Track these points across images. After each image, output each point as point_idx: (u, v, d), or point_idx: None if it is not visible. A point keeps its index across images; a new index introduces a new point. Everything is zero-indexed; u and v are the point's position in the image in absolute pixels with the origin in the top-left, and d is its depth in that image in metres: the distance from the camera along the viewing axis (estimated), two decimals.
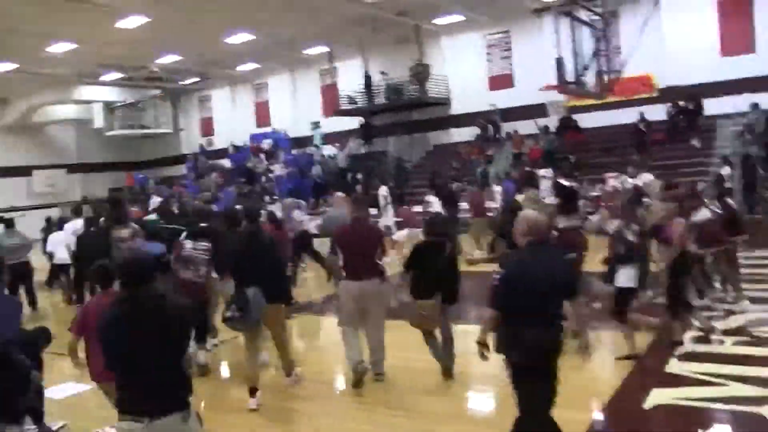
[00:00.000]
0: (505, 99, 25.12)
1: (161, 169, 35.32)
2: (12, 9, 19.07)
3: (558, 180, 9.23)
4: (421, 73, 25.86)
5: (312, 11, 22.69)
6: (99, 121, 31.93)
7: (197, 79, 31.60)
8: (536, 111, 24.12)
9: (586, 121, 23.46)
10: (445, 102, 26.73)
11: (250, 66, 30.05)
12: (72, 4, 18.28)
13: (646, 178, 13.32)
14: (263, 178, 28.11)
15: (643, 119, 22.03)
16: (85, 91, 31.03)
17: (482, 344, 4.50)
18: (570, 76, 13.90)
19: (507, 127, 25.12)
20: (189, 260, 7.59)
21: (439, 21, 24.90)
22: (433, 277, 6.69)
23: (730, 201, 9.68)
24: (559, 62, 12.97)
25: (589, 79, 15.89)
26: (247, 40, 25.03)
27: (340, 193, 14.48)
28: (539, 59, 22.01)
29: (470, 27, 25.40)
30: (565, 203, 8.10)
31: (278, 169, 28.23)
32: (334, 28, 25.24)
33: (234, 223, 7.73)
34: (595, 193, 18.44)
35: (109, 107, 31.47)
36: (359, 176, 24.69)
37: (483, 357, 4.53)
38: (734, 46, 21.72)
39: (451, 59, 26.57)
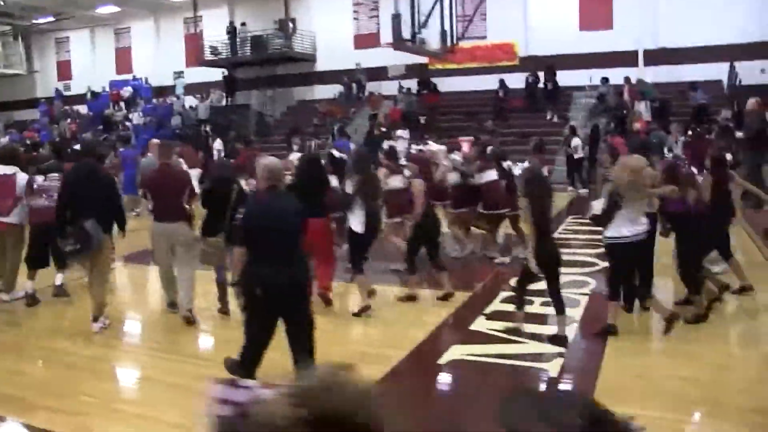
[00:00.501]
0: (371, 58, 24.81)
1: (13, 112, 33.06)
2: None
3: (331, 151, 9.99)
4: (286, 27, 25.19)
5: None
6: None
7: (52, 18, 29.59)
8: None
9: (448, 84, 23.64)
10: (310, 58, 26.30)
11: (110, 9, 28.50)
12: None
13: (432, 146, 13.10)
14: (119, 127, 26.71)
15: (502, 86, 22.37)
16: None
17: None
18: (407, 34, 13.59)
19: (372, 86, 24.82)
20: (42, 190, 7.76)
21: None
22: (219, 217, 6.79)
23: (508, 165, 9.74)
24: (395, 18, 12.64)
25: (433, 39, 15.75)
26: None
27: (155, 140, 13.85)
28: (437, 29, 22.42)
29: None
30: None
31: (136, 118, 26.96)
32: None
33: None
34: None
35: None
36: (209, 128, 23.75)
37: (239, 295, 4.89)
38: (593, 21, 22.28)
39: (318, 15, 26.10)
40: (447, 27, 16.43)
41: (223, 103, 27.04)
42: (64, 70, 32.98)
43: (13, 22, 30.05)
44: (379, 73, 24.66)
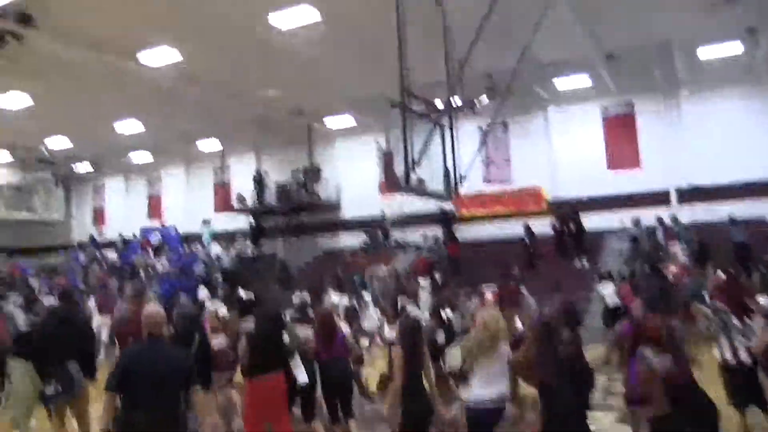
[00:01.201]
0: (396, 206, 24.24)
1: (49, 255, 33.34)
2: None
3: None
4: (311, 176, 25.00)
5: (204, 108, 21.97)
6: None
7: (90, 167, 30.27)
8: (426, 220, 23.32)
9: (476, 232, 22.84)
10: (335, 206, 25.83)
11: (143, 157, 28.99)
12: None
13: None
14: (142, 274, 26.45)
15: (528, 233, 21.39)
16: None
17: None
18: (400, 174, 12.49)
19: (398, 234, 24.25)
20: None
21: (330, 122, 24.19)
22: None
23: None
24: (387, 157, 11.59)
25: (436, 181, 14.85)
26: (137, 131, 24.13)
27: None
28: (428, 167, 21.89)
29: (362, 130, 24.79)
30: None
31: (160, 266, 26.66)
32: (226, 125, 24.55)
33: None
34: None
35: None
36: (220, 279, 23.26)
37: None
38: (621, 161, 21.80)
39: (343, 162, 25.95)
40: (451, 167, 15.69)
41: (249, 252, 26.62)
42: (99, 217, 33.53)
43: (54, 170, 30.79)
44: (405, 222, 24.05)
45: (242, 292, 10.65)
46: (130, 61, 16.94)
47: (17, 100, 20.33)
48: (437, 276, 20.47)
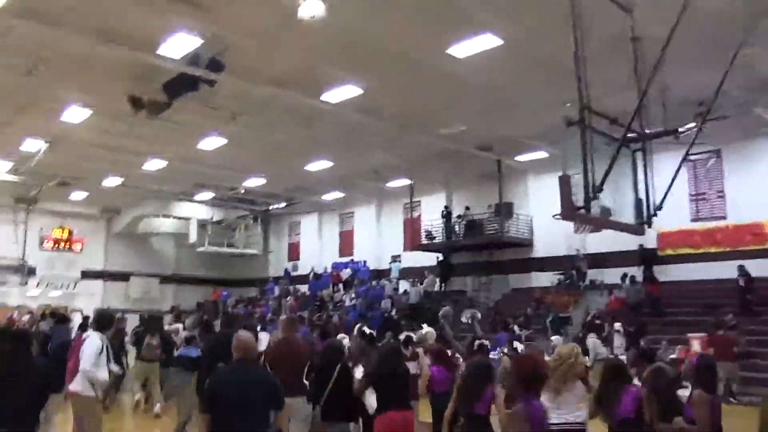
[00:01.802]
0: (592, 244, 23.05)
1: (249, 288, 35.33)
2: (113, 127, 20.26)
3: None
4: (502, 212, 24.47)
5: (391, 143, 22.43)
6: (193, 237, 32.59)
7: (285, 204, 31.86)
8: (625, 258, 21.97)
9: (683, 271, 21.01)
10: (527, 243, 25.02)
11: (335, 194, 30.00)
12: (161, 122, 19.07)
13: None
14: (330, 307, 27.25)
15: (742, 273, 19.36)
16: (182, 208, 32.07)
17: None
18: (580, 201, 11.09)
19: (593, 274, 23.00)
20: None
21: (522, 158, 23.69)
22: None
23: None
24: (563, 181, 10.23)
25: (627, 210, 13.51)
26: (327, 167, 24.87)
27: (283, 316, 13.48)
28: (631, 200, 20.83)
29: (555, 165, 23.89)
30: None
31: (348, 300, 27.26)
32: (416, 161, 24.85)
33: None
34: (673, 356, 16.04)
35: (202, 224, 32.06)
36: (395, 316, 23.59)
37: None
38: None
39: (535, 199, 25.09)
40: (643, 196, 14.36)
41: (436, 287, 26.44)
42: (294, 252, 35.13)
43: (253, 208, 32.75)
44: (601, 260, 22.77)
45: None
46: (315, 99, 17.53)
47: (214, 142, 21.89)
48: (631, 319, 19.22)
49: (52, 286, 32.93)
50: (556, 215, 13.23)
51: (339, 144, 22.66)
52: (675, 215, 21.37)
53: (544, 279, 24.48)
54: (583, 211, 10.14)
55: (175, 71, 15.54)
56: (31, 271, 31.73)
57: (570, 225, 24.32)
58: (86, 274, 34.17)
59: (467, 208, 26.06)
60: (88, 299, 33.34)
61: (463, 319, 15.50)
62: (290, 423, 6.85)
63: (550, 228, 24.55)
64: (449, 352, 9.70)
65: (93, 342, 7.47)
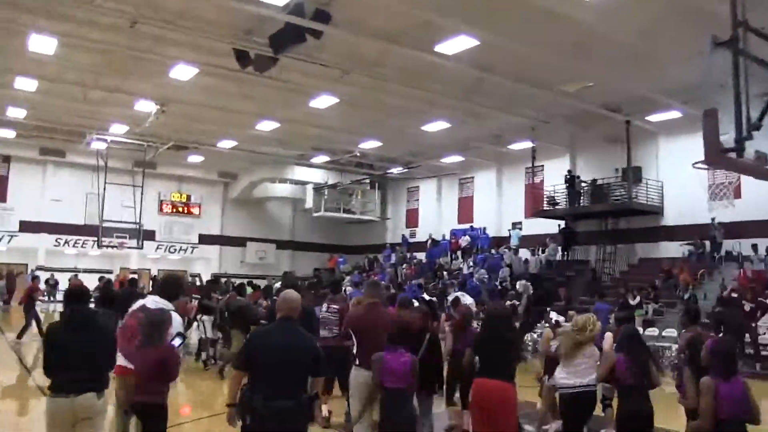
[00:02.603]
0: (729, 212, 22.10)
1: (366, 255, 36.13)
2: (222, 87, 21.51)
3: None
4: (630, 177, 23.79)
5: (514, 104, 22.23)
6: (309, 202, 33.58)
7: (404, 169, 32.16)
8: (763, 228, 21.13)
9: None
10: (656, 211, 24.27)
11: (454, 158, 30.07)
12: (270, 81, 19.93)
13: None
14: (444, 275, 27.49)
15: None
16: (298, 172, 33.12)
17: (230, 405, 4.99)
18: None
19: (729, 245, 22.03)
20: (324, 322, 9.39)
21: (653, 118, 22.89)
22: None
23: None
24: (709, 116, 7.98)
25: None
26: (445, 128, 24.94)
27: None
28: None
29: (689, 126, 22.97)
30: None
31: (465, 268, 27.40)
32: (538, 123, 24.54)
33: None
34: None
35: (318, 189, 32.94)
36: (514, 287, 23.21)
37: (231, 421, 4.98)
38: None
39: (665, 162, 24.25)
40: None
41: (558, 257, 26.15)
42: (412, 218, 35.54)
43: (370, 172, 33.31)
44: (739, 230, 21.81)
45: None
46: (428, 53, 17.42)
47: (325, 101, 22.33)
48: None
49: (170, 250, 34.94)
50: (696, 163, 12.42)
51: (456, 104, 22.69)
52: None
53: (674, 249, 23.70)
54: (733, 154, 8.03)
55: (280, 22, 15.72)
56: (150, 235, 33.57)
57: (705, 191, 23.59)
58: (203, 239, 36.05)
59: (588, 180, 25.47)
60: (205, 264, 35.22)
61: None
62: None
63: (682, 194, 23.79)
64: None
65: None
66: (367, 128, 26.43)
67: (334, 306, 9.52)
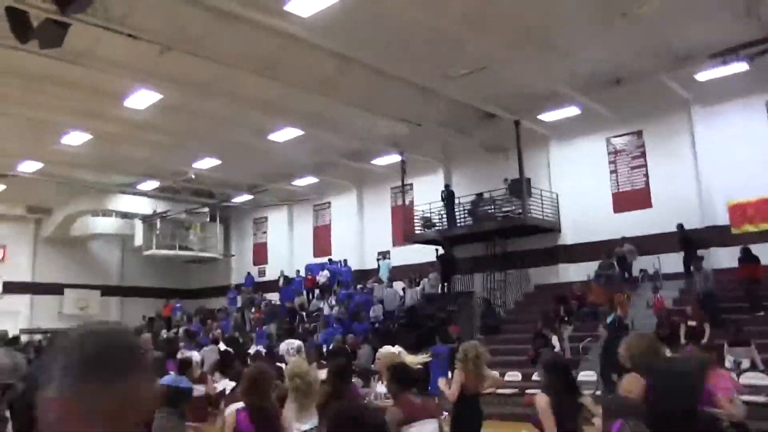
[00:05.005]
0: (638, 225, 17.27)
1: (209, 299, 28.92)
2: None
3: None
4: (524, 188, 18.47)
5: (378, 104, 16.57)
6: (138, 238, 26.18)
7: (248, 196, 25.54)
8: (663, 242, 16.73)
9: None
10: (551, 228, 18.98)
11: (307, 180, 23.88)
12: (65, 69, 13.66)
13: None
14: (305, 318, 21.13)
15: None
16: (124, 202, 25.73)
17: None
18: None
19: (644, 263, 17.03)
20: None
21: (547, 117, 17.78)
22: None
23: None
24: None
25: None
26: (296, 137, 18.69)
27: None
28: (684, 166, 16.49)
29: (588, 127, 18.21)
30: None
31: (326, 308, 21.08)
32: (407, 131, 18.92)
33: None
34: None
35: (148, 221, 25.64)
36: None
37: None
38: None
39: (559, 171, 19.20)
40: None
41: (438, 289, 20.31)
42: (260, 254, 28.55)
43: (209, 202, 26.45)
44: (651, 244, 16.94)
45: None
46: (277, 17, 11.45)
47: (143, 98, 15.58)
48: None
49: None
50: None
51: (308, 102, 16.73)
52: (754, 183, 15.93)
53: (574, 273, 18.55)
54: None
55: None
56: None
57: (606, 203, 18.70)
58: (9, 287, 27.37)
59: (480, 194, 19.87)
60: (12, 318, 26.73)
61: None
62: None
63: (581, 207, 18.75)
64: None
65: None
66: (200, 139, 19.75)
67: None
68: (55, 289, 28.13)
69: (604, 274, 17.31)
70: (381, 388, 6.76)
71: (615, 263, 17.44)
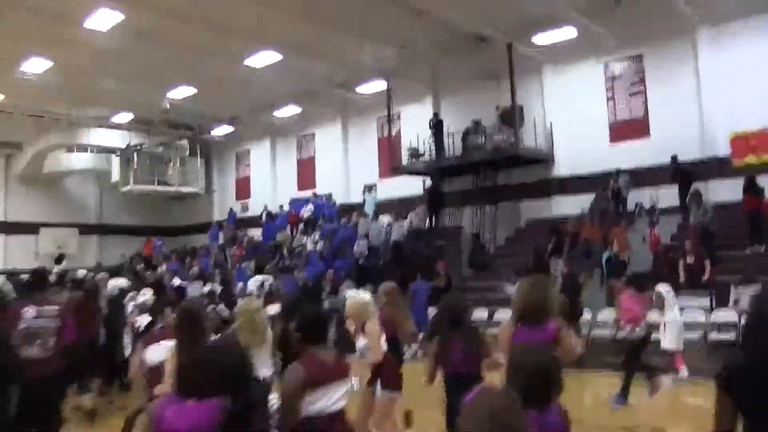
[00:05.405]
0: (635, 156, 16.32)
1: (189, 237, 28.04)
2: None
3: None
4: (516, 117, 17.43)
5: (363, 27, 15.39)
6: (115, 174, 25.04)
7: (229, 128, 24.36)
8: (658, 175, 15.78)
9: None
10: (544, 159, 18.04)
11: (291, 110, 22.68)
12: None
13: None
14: (284, 255, 20.30)
15: None
16: (97, 136, 24.51)
17: None
18: None
19: (636, 197, 16.08)
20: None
21: (540, 39, 16.57)
22: None
23: None
24: None
25: None
26: (275, 61, 17.44)
27: None
28: (685, 94, 15.34)
29: (585, 51, 17.06)
30: None
31: (309, 244, 20.24)
32: (394, 57, 17.72)
33: None
34: None
35: (124, 156, 24.47)
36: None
37: None
38: None
39: (554, 98, 18.12)
40: None
41: (425, 224, 19.46)
42: (243, 189, 27.55)
43: (187, 135, 25.24)
44: (649, 177, 16.04)
45: None
46: None
47: (104, 18, 14.34)
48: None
49: None
50: None
51: (287, 26, 15.54)
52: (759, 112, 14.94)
53: (568, 206, 17.66)
54: None
55: None
56: None
57: (602, 132, 17.70)
58: None
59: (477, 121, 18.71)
60: None
61: None
62: None
63: (576, 137, 17.75)
64: None
65: None
66: (174, 67, 18.49)
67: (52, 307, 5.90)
68: (30, 228, 27.03)
69: (598, 208, 16.52)
70: (360, 340, 5.72)
71: (610, 197, 16.61)
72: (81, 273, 16.29)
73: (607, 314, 11.58)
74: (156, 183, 25.47)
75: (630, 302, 8.43)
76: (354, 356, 5.52)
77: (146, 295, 7.94)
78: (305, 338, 3.83)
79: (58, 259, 20.58)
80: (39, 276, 6.71)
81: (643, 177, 16.11)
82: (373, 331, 5.55)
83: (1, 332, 5.22)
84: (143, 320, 7.19)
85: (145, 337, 5.52)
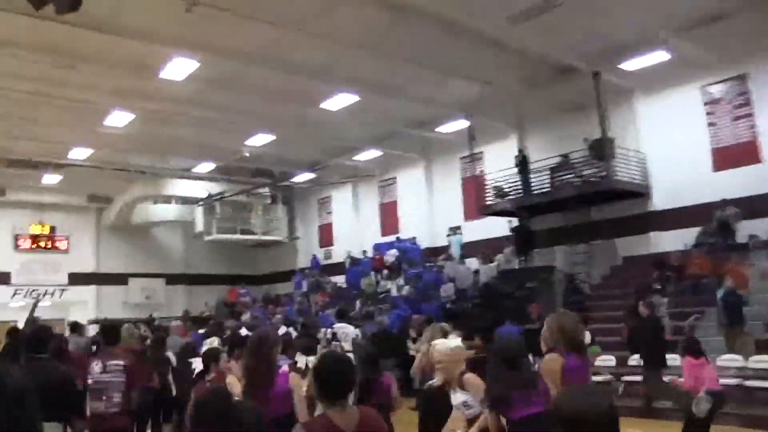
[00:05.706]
0: (744, 184, 14.97)
1: (274, 285, 27.88)
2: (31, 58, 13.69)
3: None
4: (600, 150, 16.42)
5: (440, 61, 14.97)
6: (199, 224, 25.22)
7: (310, 173, 24.19)
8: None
9: None
10: (640, 192, 16.86)
11: (371, 154, 22.35)
12: (87, 34, 12.23)
13: None
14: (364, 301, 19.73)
15: None
16: (180, 186, 24.81)
17: None
18: None
19: (750, 227, 14.69)
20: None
21: (630, 66, 15.58)
22: None
23: None
24: None
25: None
26: (352, 103, 17.10)
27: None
28: None
29: (679, 75, 15.96)
30: None
31: (394, 289, 19.58)
32: (474, 94, 17.14)
33: None
34: None
35: (206, 205, 24.61)
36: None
37: None
38: None
39: (648, 127, 17.02)
40: None
41: (515, 264, 18.50)
42: (326, 235, 27.22)
43: (267, 182, 25.21)
44: (761, 206, 14.66)
45: None
46: None
47: (180, 67, 14.35)
48: None
49: (33, 296, 25.86)
50: None
51: (362, 64, 15.22)
52: None
53: (668, 242, 16.38)
54: None
55: None
56: (4, 279, 24.77)
57: (704, 160, 16.42)
58: (75, 278, 27.00)
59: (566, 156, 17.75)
60: (81, 308, 26.30)
61: None
62: None
63: (674, 167, 16.54)
64: None
65: None
66: (250, 113, 18.39)
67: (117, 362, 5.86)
68: (120, 278, 27.58)
69: (706, 242, 15.22)
70: (460, 396, 4.83)
71: (716, 228, 15.29)
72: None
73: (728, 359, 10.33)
74: (239, 231, 25.51)
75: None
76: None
77: (213, 343, 7.43)
78: (322, 395, 3.08)
79: (149, 321, 20.52)
80: (109, 330, 6.77)
81: (753, 206, 14.74)
82: (477, 384, 4.72)
83: (66, 374, 5.04)
84: (197, 366, 6.71)
85: (197, 384, 5.14)
